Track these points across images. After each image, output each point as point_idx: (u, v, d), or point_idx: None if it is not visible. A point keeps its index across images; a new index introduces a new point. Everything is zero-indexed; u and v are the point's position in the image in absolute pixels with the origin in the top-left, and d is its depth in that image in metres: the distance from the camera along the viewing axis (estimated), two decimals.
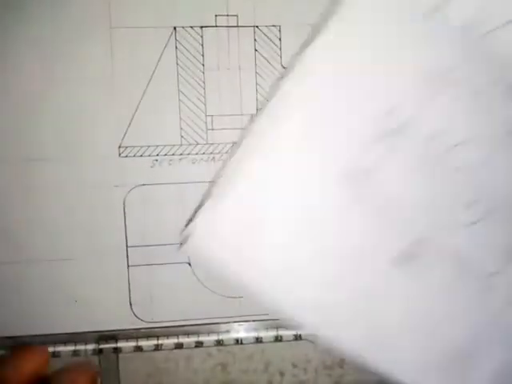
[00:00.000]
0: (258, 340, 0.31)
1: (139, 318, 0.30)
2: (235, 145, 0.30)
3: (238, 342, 0.31)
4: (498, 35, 0.28)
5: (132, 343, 0.30)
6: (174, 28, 0.29)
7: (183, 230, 0.29)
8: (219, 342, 0.31)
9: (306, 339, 0.31)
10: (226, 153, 0.30)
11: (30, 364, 0.20)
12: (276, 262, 0.28)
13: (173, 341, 0.30)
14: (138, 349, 0.30)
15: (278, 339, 0.31)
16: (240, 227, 0.28)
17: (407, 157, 0.28)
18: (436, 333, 0.29)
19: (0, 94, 0.28)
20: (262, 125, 0.28)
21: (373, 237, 0.28)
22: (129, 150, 0.29)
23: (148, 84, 0.29)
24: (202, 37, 0.29)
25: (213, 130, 0.30)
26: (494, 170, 0.29)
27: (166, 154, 0.29)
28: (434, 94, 0.28)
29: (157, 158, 0.29)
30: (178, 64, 0.29)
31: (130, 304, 0.30)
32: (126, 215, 0.29)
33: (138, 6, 0.28)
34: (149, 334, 0.30)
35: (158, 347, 0.30)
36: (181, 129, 0.29)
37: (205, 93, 0.29)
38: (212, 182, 0.29)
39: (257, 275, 0.28)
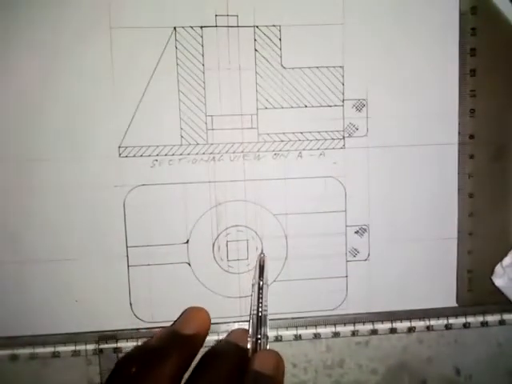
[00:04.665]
0: None
1: (139, 318, 0.30)
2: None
3: None
4: None
5: (132, 343, 0.30)
6: (174, 28, 0.29)
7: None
8: None
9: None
10: (226, 153, 0.30)
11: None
12: None
13: None
14: None
15: (278, 339, 0.31)
16: None
17: None
18: None
19: (0, 94, 0.28)
20: None
21: None
22: (129, 150, 0.29)
23: (148, 84, 0.29)
24: (201, 37, 0.29)
25: (213, 130, 0.30)
26: None
27: (166, 154, 0.29)
28: None
29: (157, 158, 0.29)
30: (177, 64, 0.29)
31: (130, 304, 0.30)
32: (126, 215, 0.29)
33: (137, 6, 0.28)
34: (149, 334, 0.30)
35: None
36: (181, 129, 0.29)
37: (205, 93, 0.29)
38: None
39: None
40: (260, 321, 0.27)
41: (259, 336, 0.26)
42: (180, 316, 0.28)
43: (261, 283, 0.28)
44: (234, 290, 0.31)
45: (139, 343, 0.30)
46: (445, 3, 0.30)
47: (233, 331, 0.30)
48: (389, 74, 0.30)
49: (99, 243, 0.30)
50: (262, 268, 0.29)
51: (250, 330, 0.27)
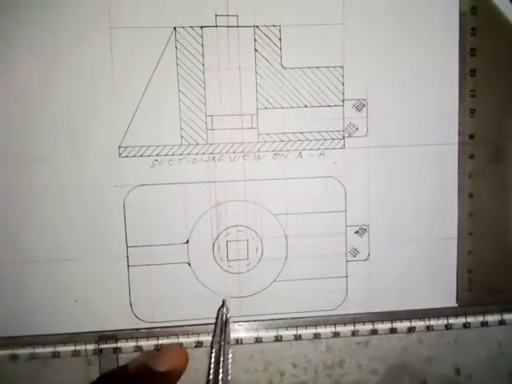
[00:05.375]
0: (258, 340, 0.31)
1: (139, 318, 0.30)
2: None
3: (238, 342, 0.31)
4: None
5: (132, 343, 0.30)
6: (174, 28, 0.29)
7: None
8: None
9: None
10: (226, 153, 0.30)
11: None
12: None
13: (173, 341, 0.30)
14: (138, 349, 0.30)
15: (277, 339, 0.31)
16: None
17: None
18: None
19: (0, 94, 0.28)
20: None
21: None
22: (129, 150, 0.29)
23: (148, 84, 0.29)
24: (201, 37, 0.29)
25: (213, 130, 0.30)
26: None
27: (166, 154, 0.29)
28: None
29: (157, 158, 0.29)
30: (178, 64, 0.29)
31: (130, 304, 0.30)
32: (126, 215, 0.29)
33: (137, 6, 0.28)
34: (149, 334, 0.30)
35: (157, 347, 0.30)
36: (181, 129, 0.29)
37: (205, 93, 0.29)
38: None
39: None
40: None
41: None
42: (159, 350, 0.28)
43: (222, 343, 0.25)
44: (234, 290, 0.31)
45: (139, 343, 0.30)
46: (445, 3, 0.30)
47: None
48: (389, 73, 0.30)
49: (99, 243, 0.30)
50: (224, 324, 0.26)
51: None
